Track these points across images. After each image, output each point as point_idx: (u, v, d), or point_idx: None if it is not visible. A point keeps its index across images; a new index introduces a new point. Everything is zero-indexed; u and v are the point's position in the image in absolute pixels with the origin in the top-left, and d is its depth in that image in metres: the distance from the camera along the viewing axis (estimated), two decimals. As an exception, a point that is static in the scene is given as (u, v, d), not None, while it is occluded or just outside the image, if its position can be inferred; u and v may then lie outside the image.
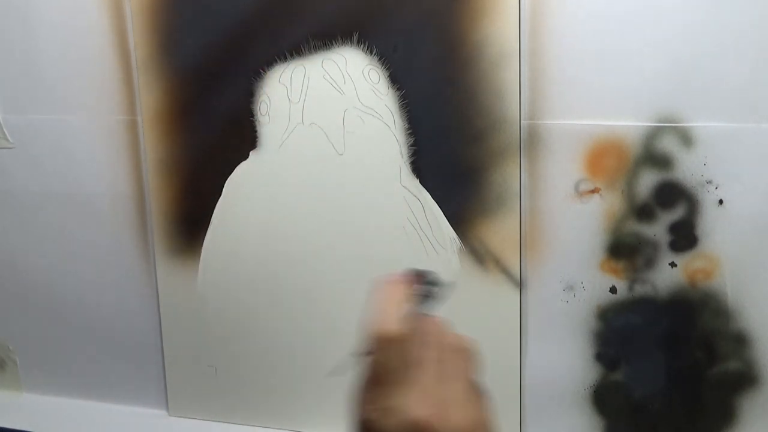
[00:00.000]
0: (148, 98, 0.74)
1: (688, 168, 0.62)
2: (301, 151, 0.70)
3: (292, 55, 0.68)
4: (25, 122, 0.79)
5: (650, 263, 0.64)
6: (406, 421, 0.39)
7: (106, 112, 0.76)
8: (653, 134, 0.62)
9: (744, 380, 0.64)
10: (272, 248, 0.74)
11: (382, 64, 0.67)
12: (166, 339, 0.80)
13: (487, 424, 0.43)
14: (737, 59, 0.59)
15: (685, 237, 0.63)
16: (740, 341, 0.64)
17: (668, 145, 0.61)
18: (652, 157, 0.62)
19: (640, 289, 0.65)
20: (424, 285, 0.43)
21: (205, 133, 0.73)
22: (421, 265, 0.69)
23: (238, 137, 0.72)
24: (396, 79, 0.67)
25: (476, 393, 0.43)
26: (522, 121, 0.64)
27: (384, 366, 0.40)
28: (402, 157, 0.68)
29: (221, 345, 0.78)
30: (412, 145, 0.68)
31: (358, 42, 0.67)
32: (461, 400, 0.42)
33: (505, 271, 0.67)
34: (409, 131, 0.67)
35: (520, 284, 0.67)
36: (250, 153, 0.72)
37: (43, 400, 0.87)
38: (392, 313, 0.41)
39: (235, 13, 0.69)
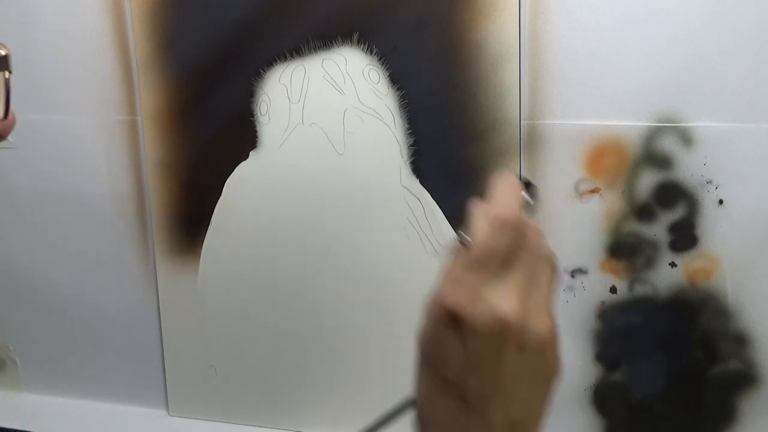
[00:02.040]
0: (148, 98, 0.74)
1: (688, 168, 0.62)
2: (301, 151, 0.70)
3: (292, 55, 0.68)
4: (24, 122, 0.79)
5: (650, 263, 0.64)
6: (493, 316, 0.39)
7: (106, 112, 0.76)
8: (653, 134, 0.62)
9: (744, 380, 0.64)
10: (272, 248, 0.74)
11: (382, 64, 0.67)
12: (166, 339, 0.80)
13: (558, 342, 0.43)
14: (737, 59, 0.59)
15: (685, 237, 0.63)
16: (740, 341, 0.64)
17: (668, 145, 0.61)
18: (652, 157, 0.62)
19: (640, 289, 0.65)
20: (528, 192, 0.43)
21: (205, 133, 0.73)
22: (421, 265, 0.69)
23: (238, 137, 0.72)
24: (396, 79, 0.67)
25: (553, 307, 0.42)
26: (522, 121, 0.64)
27: (488, 251, 0.39)
28: (402, 157, 0.68)
29: (221, 345, 0.78)
30: (412, 145, 0.68)
31: (358, 42, 0.67)
32: (545, 308, 0.42)
33: (505, 271, 0.67)
34: (409, 131, 0.67)
35: (520, 284, 0.67)
36: (250, 153, 0.72)
37: (43, 400, 0.87)
38: (511, 200, 0.40)
39: (235, 13, 0.69)
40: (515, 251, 0.41)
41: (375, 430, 0.48)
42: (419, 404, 0.43)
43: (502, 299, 0.39)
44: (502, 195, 0.41)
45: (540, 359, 0.41)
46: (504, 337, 0.39)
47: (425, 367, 0.42)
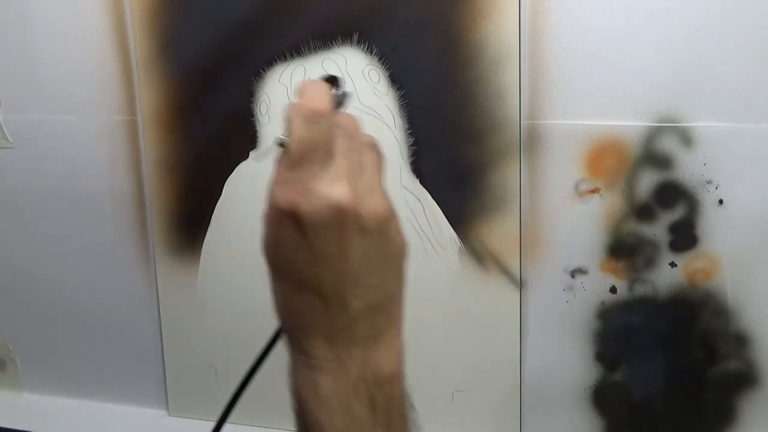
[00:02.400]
0: (148, 98, 0.74)
1: (688, 168, 0.62)
2: (301, 151, 0.70)
3: (292, 55, 0.68)
4: (25, 122, 0.79)
5: (650, 263, 0.64)
6: (327, 204, 0.40)
7: (106, 112, 0.76)
8: (653, 134, 0.62)
9: (744, 380, 0.64)
10: (272, 248, 0.74)
11: (382, 64, 0.67)
12: (166, 339, 0.80)
13: (397, 218, 0.44)
14: (737, 59, 0.59)
15: (685, 237, 0.63)
16: (740, 341, 0.64)
17: (668, 145, 0.61)
18: (652, 157, 0.62)
19: (640, 289, 0.65)
20: (337, 89, 0.44)
21: (205, 133, 0.73)
22: (421, 265, 0.69)
23: (238, 137, 0.72)
24: (396, 79, 0.67)
25: (384, 187, 0.43)
26: (522, 121, 0.64)
27: (307, 144, 0.40)
28: (402, 157, 0.68)
29: (221, 345, 0.78)
30: (412, 145, 0.68)
31: (358, 42, 0.67)
32: (377, 189, 0.42)
33: (505, 271, 0.67)
34: (409, 131, 0.67)
35: (520, 284, 0.67)
36: (250, 153, 0.72)
37: (43, 400, 0.87)
38: (317, 94, 0.41)
39: (235, 13, 0.69)
40: (335, 141, 0.42)
41: (255, 370, 0.50)
42: (281, 314, 0.44)
43: (332, 188, 0.40)
44: (308, 92, 0.42)
45: (384, 239, 0.42)
46: (342, 223, 0.40)
47: (277, 275, 0.43)
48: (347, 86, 0.45)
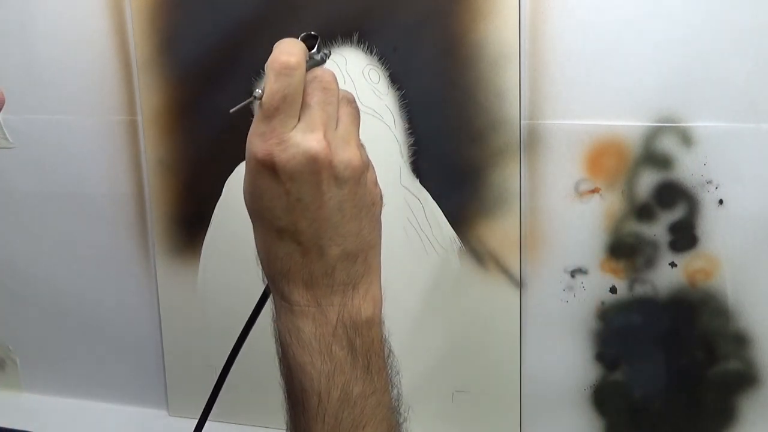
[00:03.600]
0: (148, 98, 0.74)
1: (688, 168, 0.62)
2: (301, 151, 0.70)
3: (292, 55, 0.68)
4: (25, 122, 0.79)
5: (650, 263, 0.64)
6: (301, 153, 0.42)
7: (106, 112, 0.76)
8: (653, 134, 0.62)
9: (744, 380, 0.64)
10: (272, 248, 0.74)
11: (382, 64, 0.67)
12: (166, 339, 0.80)
13: (372, 169, 0.46)
14: (737, 59, 0.59)
15: (685, 237, 0.63)
16: (740, 341, 0.64)
17: (668, 145, 0.61)
18: (652, 157, 0.62)
19: (640, 289, 0.65)
20: (315, 47, 0.46)
21: (205, 133, 0.73)
22: (421, 265, 0.69)
23: (238, 137, 0.72)
24: (396, 79, 0.67)
25: (359, 139, 0.46)
26: (522, 121, 0.64)
27: (280, 96, 0.42)
28: (402, 157, 0.68)
29: (221, 345, 0.78)
30: (412, 145, 0.68)
31: (358, 42, 0.67)
32: (352, 140, 0.45)
33: (505, 271, 0.67)
34: (409, 131, 0.67)
35: (520, 284, 0.67)
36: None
37: (43, 400, 0.87)
38: (290, 49, 0.43)
39: (236, 13, 0.69)
40: (311, 93, 0.43)
41: (248, 329, 0.54)
42: (263, 261, 0.47)
43: (305, 137, 0.42)
44: (282, 47, 0.43)
45: (359, 189, 0.44)
46: (317, 171, 0.42)
47: (258, 224, 0.46)
48: (320, 41, 0.46)
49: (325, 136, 0.42)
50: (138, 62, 0.73)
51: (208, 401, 0.54)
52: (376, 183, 0.47)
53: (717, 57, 0.59)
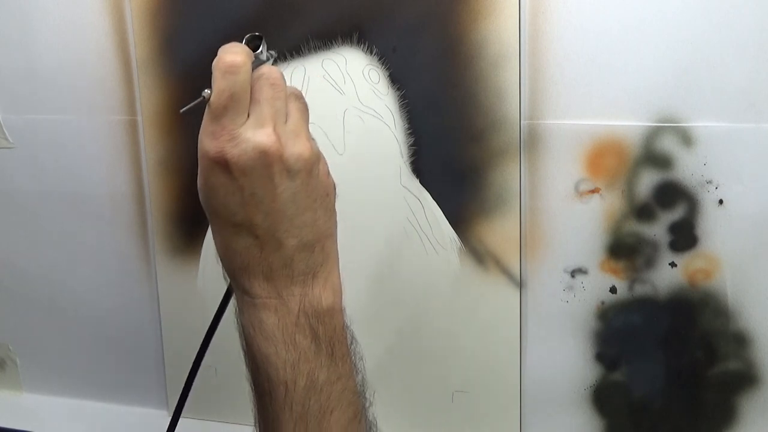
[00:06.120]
0: (148, 98, 0.74)
1: (688, 168, 0.62)
2: (301, 151, 0.70)
3: (292, 55, 0.69)
4: (25, 122, 0.80)
5: (650, 263, 0.64)
6: (252, 147, 0.43)
7: (106, 112, 0.76)
8: (653, 134, 0.62)
9: (744, 380, 0.64)
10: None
11: (382, 64, 0.67)
12: (166, 339, 0.80)
13: (323, 160, 0.47)
14: (737, 59, 0.59)
15: (685, 237, 0.63)
16: (740, 341, 0.64)
17: (668, 145, 0.61)
18: (652, 157, 0.62)
19: (640, 289, 0.65)
20: (253, 44, 0.47)
21: (205, 133, 0.73)
22: (421, 265, 0.69)
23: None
24: (396, 79, 0.67)
25: (308, 132, 0.47)
26: (522, 121, 0.64)
27: (227, 94, 0.43)
28: (402, 157, 0.68)
29: (221, 345, 0.78)
30: (412, 145, 0.68)
31: (358, 42, 0.67)
32: (301, 133, 0.45)
33: (505, 271, 0.67)
34: (409, 131, 0.67)
35: (520, 284, 0.67)
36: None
37: (43, 400, 0.87)
38: (234, 50, 0.44)
39: (235, 13, 0.69)
40: (259, 90, 0.44)
41: (212, 331, 0.55)
42: (223, 258, 0.48)
43: (255, 132, 0.43)
44: (226, 47, 0.45)
45: (311, 179, 0.45)
46: (269, 165, 0.43)
47: (214, 221, 0.47)
48: (264, 41, 0.47)
49: (274, 130, 0.44)
50: (138, 62, 0.73)
51: (177, 404, 0.54)
52: (328, 174, 0.48)
53: (717, 57, 0.59)
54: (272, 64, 0.47)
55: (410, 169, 0.68)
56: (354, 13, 0.66)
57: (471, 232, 0.67)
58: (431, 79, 0.65)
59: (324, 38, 0.67)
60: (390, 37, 0.66)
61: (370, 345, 0.73)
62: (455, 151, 0.66)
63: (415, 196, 0.68)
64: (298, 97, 0.48)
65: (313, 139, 0.47)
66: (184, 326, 0.79)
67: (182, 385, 0.58)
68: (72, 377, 0.86)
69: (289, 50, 0.68)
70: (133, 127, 0.76)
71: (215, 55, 0.46)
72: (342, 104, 0.68)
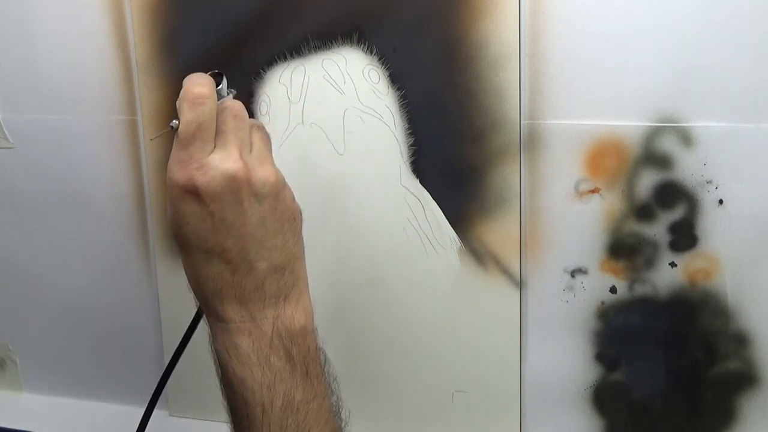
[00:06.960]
0: (148, 98, 0.74)
1: (688, 168, 0.62)
2: (301, 151, 0.70)
3: (292, 55, 0.69)
4: (25, 122, 0.80)
5: (650, 263, 0.64)
6: (221, 174, 0.44)
7: (106, 112, 0.76)
8: (653, 134, 0.62)
9: (744, 380, 0.64)
10: (272, 248, 0.74)
11: (382, 64, 0.67)
12: (166, 339, 0.80)
13: (288, 187, 0.50)
14: (737, 59, 0.59)
15: (685, 237, 0.63)
16: (740, 341, 0.64)
17: (668, 145, 0.61)
18: (652, 157, 0.62)
19: (640, 289, 0.65)
20: (218, 79, 0.49)
21: (205, 133, 0.73)
22: (421, 265, 0.69)
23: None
24: (396, 79, 0.67)
25: (272, 160, 0.49)
26: (522, 121, 0.64)
27: (195, 124, 0.45)
28: (402, 157, 0.68)
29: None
30: (412, 145, 0.68)
31: (358, 42, 0.67)
32: (266, 160, 0.48)
33: (505, 271, 0.67)
34: (409, 131, 0.67)
35: (520, 284, 0.67)
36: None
37: (43, 400, 0.87)
38: (200, 81, 0.46)
39: (235, 13, 0.69)
40: (224, 121, 0.46)
41: (180, 351, 0.57)
42: (194, 286, 0.49)
43: (224, 160, 0.45)
44: (192, 80, 0.47)
45: (278, 203, 0.47)
46: (237, 189, 0.45)
47: (185, 249, 0.47)
48: (225, 78, 0.50)
49: (241, 157, 0.45)
50: (138, 62, 0.73)
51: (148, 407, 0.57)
52: (293, 199, 0.50)
53: (717, 57, 0.59)
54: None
55: (410, 169, 0.68)
56: (354, 13, 0.66)
57: (471, 232, 0.67)
58: (431, 79, 0.65)
59: (324, 38, 0.67)
60: (390, 37, 0.66)
61: (369, 345, 0.73)
62: (455, 151, 0.66)
63: (415, 196, 0.68)
64: (260, 128, 0.50)
65: (277, 169, 0.48)
66: (184, 326, 0.79)
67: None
68: (72, 377, 0.86)
69: (289, 50, 0.68)
70: (133, 127, 0.76)
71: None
72: (342, 104, 0.68)
